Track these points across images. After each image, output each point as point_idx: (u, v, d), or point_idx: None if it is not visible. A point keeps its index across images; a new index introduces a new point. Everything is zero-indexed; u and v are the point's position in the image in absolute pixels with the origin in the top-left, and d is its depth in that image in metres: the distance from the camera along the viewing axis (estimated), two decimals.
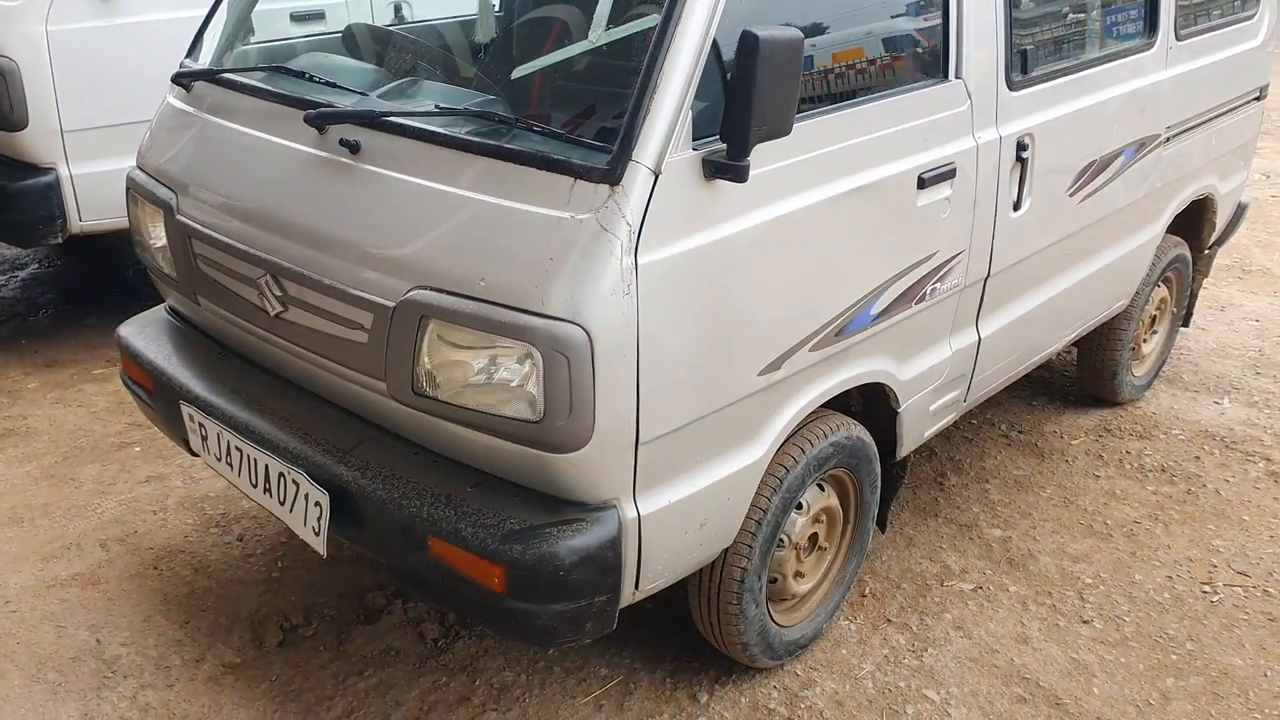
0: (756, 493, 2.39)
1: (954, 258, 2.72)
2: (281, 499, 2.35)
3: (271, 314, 2.33)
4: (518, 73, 2.27)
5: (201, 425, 2.51)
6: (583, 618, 2.10)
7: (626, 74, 2.08)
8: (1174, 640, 2.94)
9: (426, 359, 2.07)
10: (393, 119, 2.20)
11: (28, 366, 4.32)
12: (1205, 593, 3.16)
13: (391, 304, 2.07)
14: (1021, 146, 2.85)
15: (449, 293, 2.01)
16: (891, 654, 2.84)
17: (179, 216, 2.52)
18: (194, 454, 2.65)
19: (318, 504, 2.24)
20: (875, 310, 2.51)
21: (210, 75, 2.63)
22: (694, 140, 2.01)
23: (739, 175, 1.99)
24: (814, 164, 2.25)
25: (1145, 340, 4.26)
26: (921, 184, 2.51)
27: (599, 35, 2.15)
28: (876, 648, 2.87)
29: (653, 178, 1.94)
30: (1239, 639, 2.96)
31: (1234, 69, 4.04)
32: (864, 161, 2.38)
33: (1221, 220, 4.41)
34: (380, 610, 2.89)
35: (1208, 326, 5.05)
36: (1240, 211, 4.59)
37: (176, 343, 2.76)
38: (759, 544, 2.45)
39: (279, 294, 2.30)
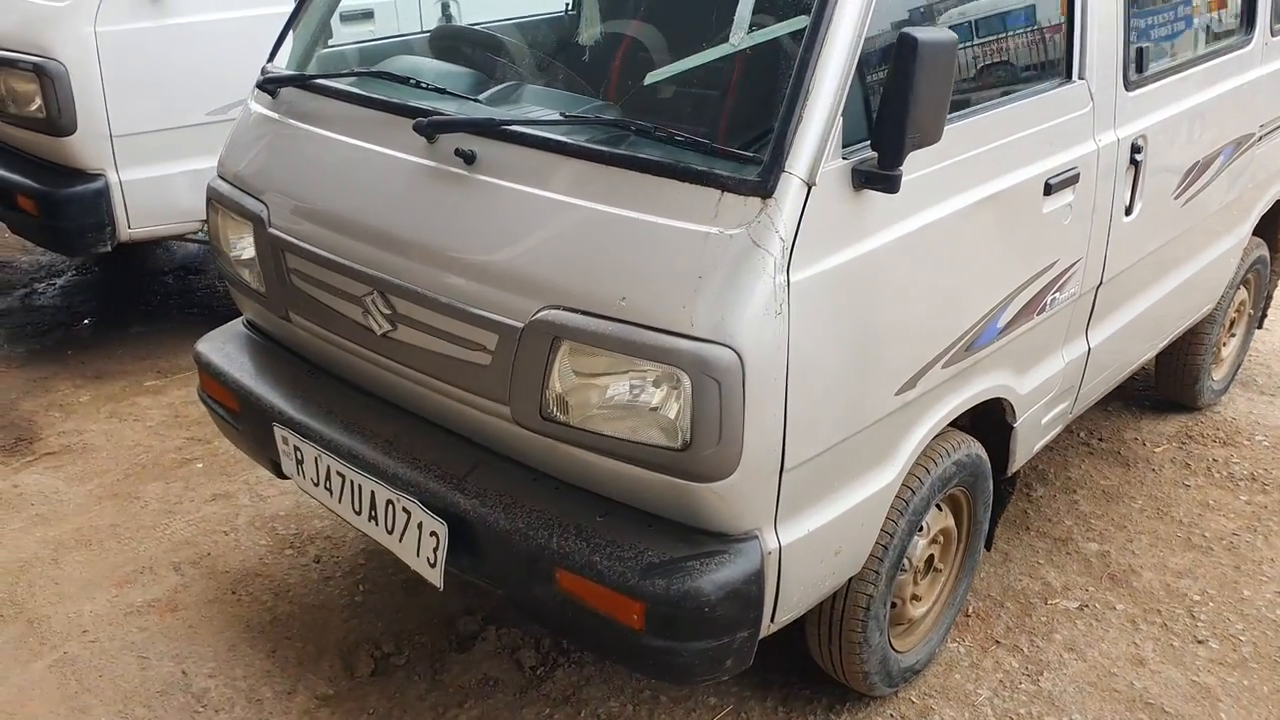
0: (885, 516, 2.28)
1: (1072, 266, 2.61)
2: (390, 528, 2.23)
3: (378, 333, 2.21)
4: (652, 78, 2.15)
5: (297, 449, 2.39)
6: (724, 655, 1.99)
7: (771, 79, 1.95)
8: None
9: (557, 382, 1.95)
10: (513, 128, 2.07)
11: (77, 379, 4.20)
12: None
13: (520, 325, 1.95)
14: (1135, 149, 2.74)
15: (584, 313, 1.89)
16: (1006, 678, 2.73)
17: (271, 229, 2.40)
18: (283, 477, 2.54)
19: (434, 534, 2.12)
20: (1002, 323, 2.40)
21: (302, 81, 2.50)
22: (843, 149, 1.89)
23: (891, 185, 1.88)
24: (952, 171, 2.14)
25: (1224, 343, 4.15)
26: (1048, 190, 2.41)
27: (740, 38, 2.03)
28: (989, 672, 2.76)
29: (806, 189, 1.82)
30: None
31: None
32: (997, 168, 2.27)
33: None
34: (474, 637, 2.77)
35: (1270, 327, 4.93)
36: None
37: (261, 360, 2.64)
38: (885, 569, 2.34)
39: (387, 312, 2.18)
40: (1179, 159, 3.01)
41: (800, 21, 1.90)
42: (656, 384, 1.86)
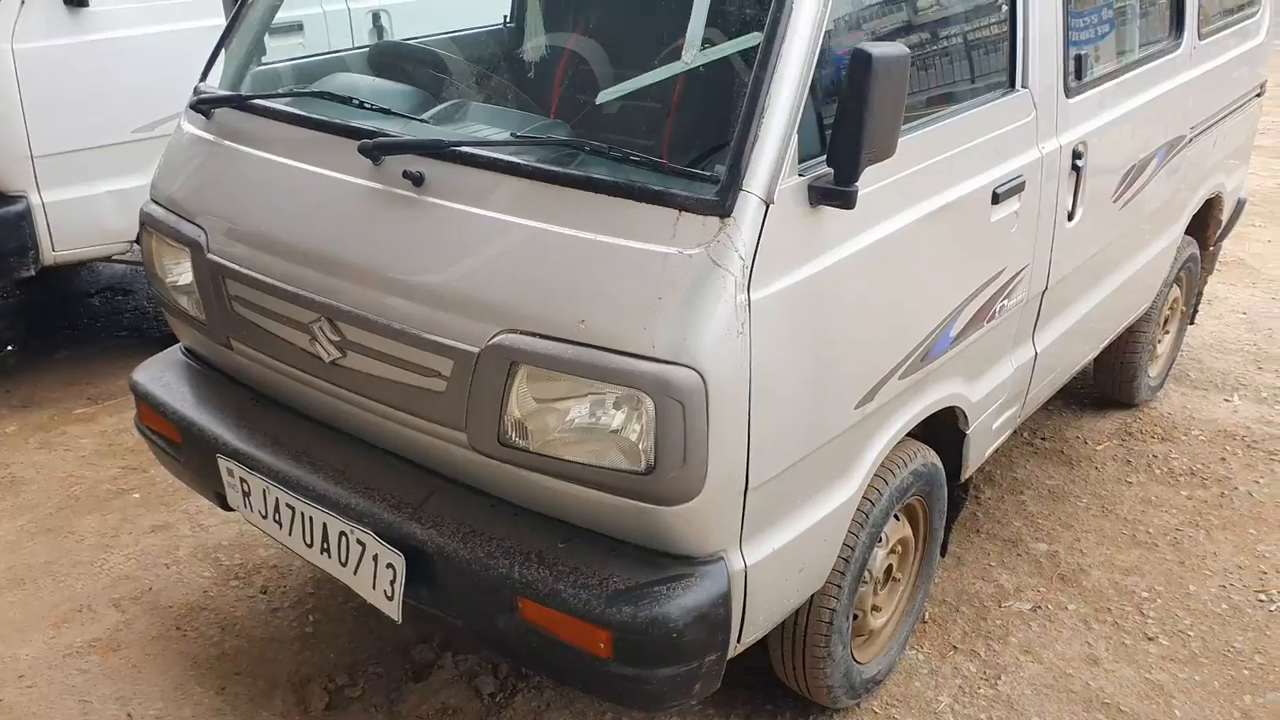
0: (847, 530, 2.27)
1: (1019, 273, 2.63)
2: (344, 560, 2.17)
3: (327, 360, 2.15)
4: (604, 97, 2.11)
5: (243, 481, 2.31)
6: (693, 679, 1.96)
7: (726, 96, 1.93)
8: (1242, 654, 2.88)
9: (516, 408, 1.91)
10: (463, 148, 2.03)
11: (2, 409, 4.05)
12: (1262, 601, 3.11)
13: (476, 349, 1.90)
14: (1077, 155, 2.77)
15: (542, 336, 1.85)
16: (965, 684, 2.75)
17: (210, 255, 2.32)
18: (228, 509, 2.46)
19: (390, 566, 2.06)
20: (954, 332, 2.41)
21: (238, 101, 2.42)
22: (798, 165, 1.88)
23: (848, 201, 1.87)
24: (905, 184, 2.14)
25: (1159, 340, 4.23)
26: (995, 199, 2.42)
27: (693, 55, 2.00)
28: (949, 678, 2.77)
29: (764, 208, 1.80)
30: None
31: (1241, 67, 4.03)
32: (948, 179, 2.28)
33: (1225, 217, 4.41)
34: (430, 665, 2.71)
35: (1200, 322, 5.05)
36: (1239, 207, 4.59)
37: (202, 389, 2.56)
38: (847, 583, 2.33)
39: (336, 339, 2.12)
40: (1117, 163, 3.06)
41: (753, 38, 1.89)
42: (618, 407, 1.83)
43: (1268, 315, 5.19)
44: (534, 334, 1.85)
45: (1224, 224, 4.42)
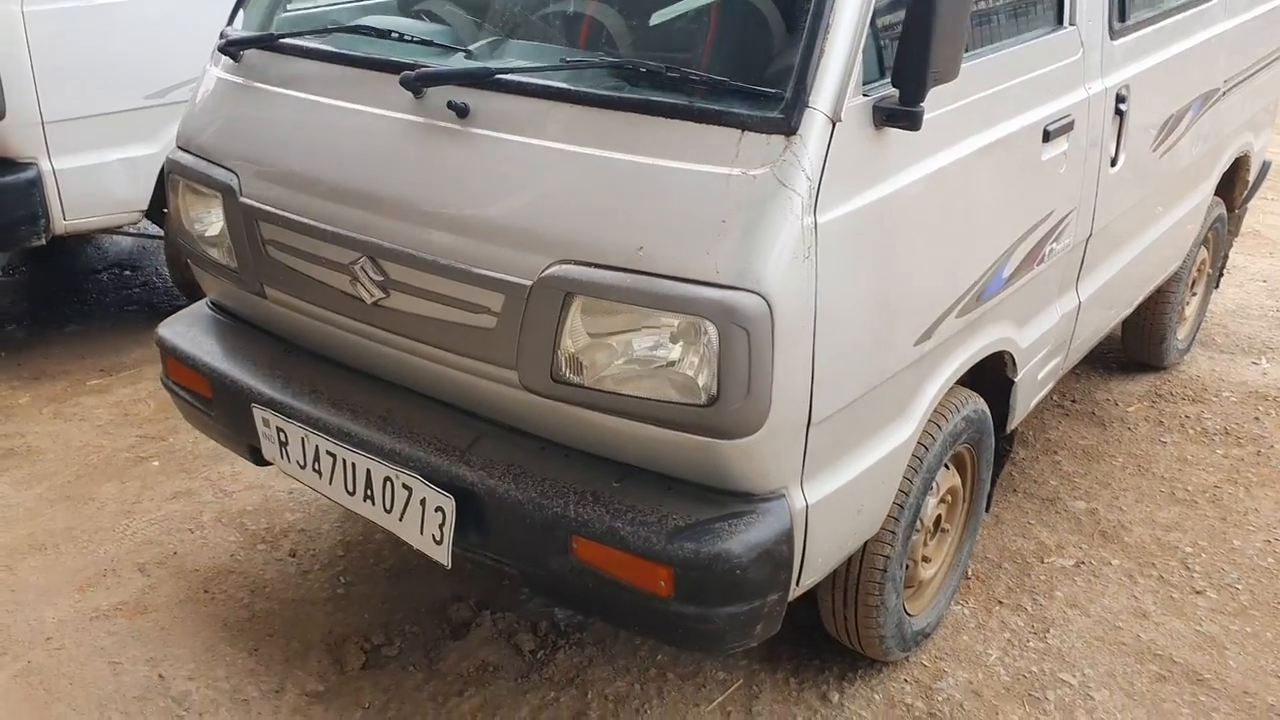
0: (902, 474, 2.21)
1: (1067, 215, 2.58)
2: (388, 507, 2.10)
3: (369, 302, 2.08)
4: (658, 18, 2.04)
5: (280, 430, 2.25)
6: (755, 620, 1.90)
7: (788, 11, 1.87)
8: None
9: (570, 342, 1.84)
10: (510, 76, 1.96)
11: (14, 381, 3.97)
12: None
13: (528, 282, 1.84)
14: (1120, 99, 2.72)
15: (598, 265, 1.78)
16: (1014, 637, 2.69)
17: (244, 199, 2.25)
18: (262, 463, 2.39)
19: (439, 509, 2.00)
20: (1007, 273, 2.36)
21: (270, 41, 2.35)
22: (864, 85, 1.82)
23: (914, 122, 1.81)
24: (964, 113, 2.09)
25: (1187, 302, 4.18)
26: (1046, 136, 2.37)
27: None
28: (996, 632, 2.71)
29: (830, 126, 1.74)
30: None
31: (1274, 22, 3.97)
32: (1003, 112, 2.23)
33: (1251, 178, 4.36)
34: (467, 623, 2.65)
35: (1222, 289, 5.01)
36: (1264, 170, 4.55)
37: (232, 341, 2.49)
38: (901, 529, 2.28)
39: (379, 279, 2.05)
40: (1157, 111, 3.01)
41: None
42: (678, 337, 1.77)
43: None
44: (589, 264, 1.79)
45: (1250, 185, 4.37)
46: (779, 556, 1.86)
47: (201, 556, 2.93)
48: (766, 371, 1.72)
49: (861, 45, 1.78)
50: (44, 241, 3.89)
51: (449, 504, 1.98)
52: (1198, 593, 2.89)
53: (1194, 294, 4.27)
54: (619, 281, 1.76)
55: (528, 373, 1.90)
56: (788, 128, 1.71)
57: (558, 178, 1.87)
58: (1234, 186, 4.22)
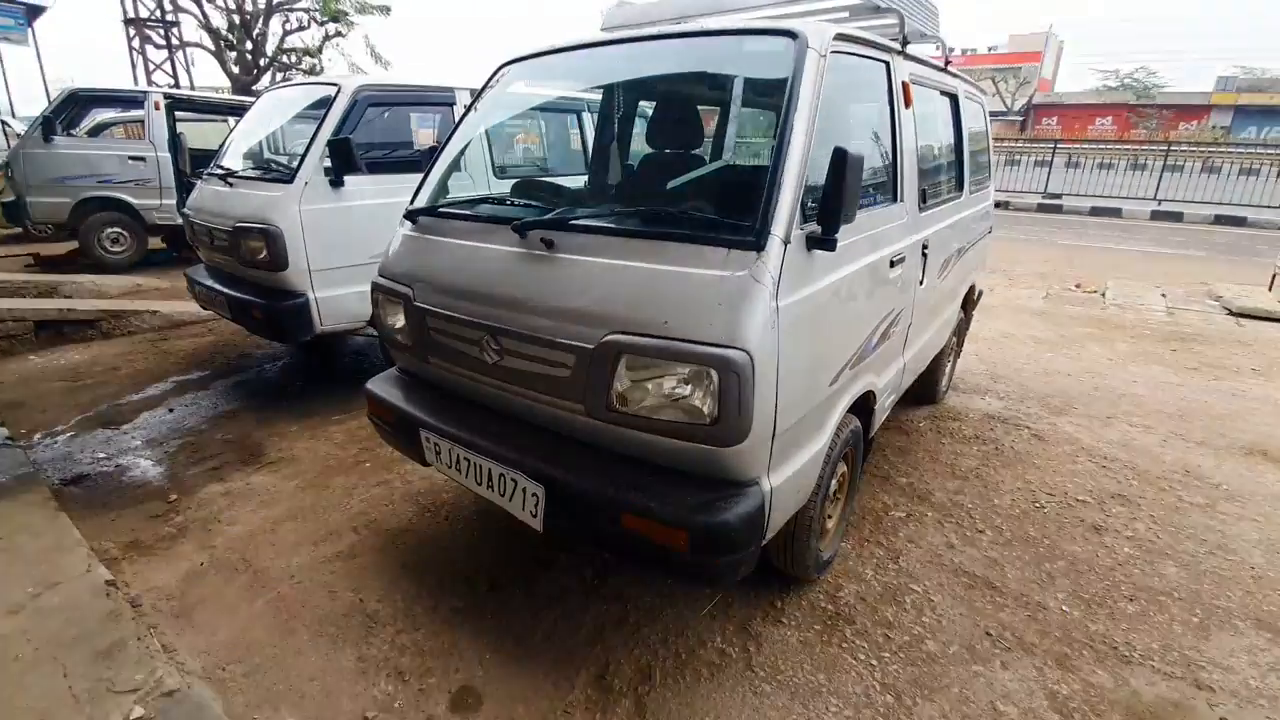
0: (820, 465, 1.82)
1: (900, 312, 2.23)
2: (502, 492, 1.70)
3: (490, 362, 1.70)
4: (673, 184, 1.73)
5: (436, 444, 1.85)
6: (741, 563, 1.50)
7: (753, 180, 1.53)
8: (1035, 539, 2.43)
9: (618, 384, 1.47)
10: (580, 221, 1.61)
11: (289, 418, 3.52)
12: (1038, 507, 2.66)
13: (591, 346, 1.47)
14: (925, 246, 2.39)
15: (638, 334, 1.42)
16: (878, 562, 2.27)
17: (417, 303, 1.89)
18: (426, 465, 1.98)
19: (534, 495, 1.60)
20: (873, 344, 2.00)
21: (433, 210, 2.00)
22: (801, 223, 1.47)
23: (831, 246, 1.48)
24: (854, 246, 1.74)
25: (948, 365, 3.83)
26: (892, 265, 2.03)
27: (729, 157, 1.63)
28: (868, 559, 2.29)
29: (783, 246, 1.40)
30: (1069, 534, 2.46)
31: (984, 213, 3.69)
32: (874, 247, 1.88)
33: (976, 298, 4.05)
34: (550, 561, 2.21)
35: (960, 358, 4.67)
36: (980, 295, 4.23)
37: (409, 391, 2.09)
38: (820, 499, 1.88)
39: (496, 348, 1.68)
40: (941, 255, 2.68)
41: (768, 143, 1.50)
42: (690, 379, 1.40)
43: (987, 357, 4.80)
44: (632, 333, 1.43)
45: (976, 302, 4.06)
46: (757, 521, 1.48)
47: (392, 521, 2.48)
48: (750, 401, 1.36)
49: (799, 199, 1.43)
50: (309, 338, 3.48)
51: (541, 490, 1.58)
52: (980, 532, 2.48)
53: (949, 361, 3.92)
54: (652, 344, 1.40)
55: (591, 405, 1.53)
56: (758, 246, 1.37)
57: (611, 281, 1.52)
58: (970, 302, 3.90)
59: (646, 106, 1.89)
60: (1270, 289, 6.03)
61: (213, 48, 12.76)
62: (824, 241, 1.48)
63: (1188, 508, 2.64)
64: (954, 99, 2.92)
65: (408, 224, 2.09)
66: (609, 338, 1.47)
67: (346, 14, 14.86)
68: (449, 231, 1.94)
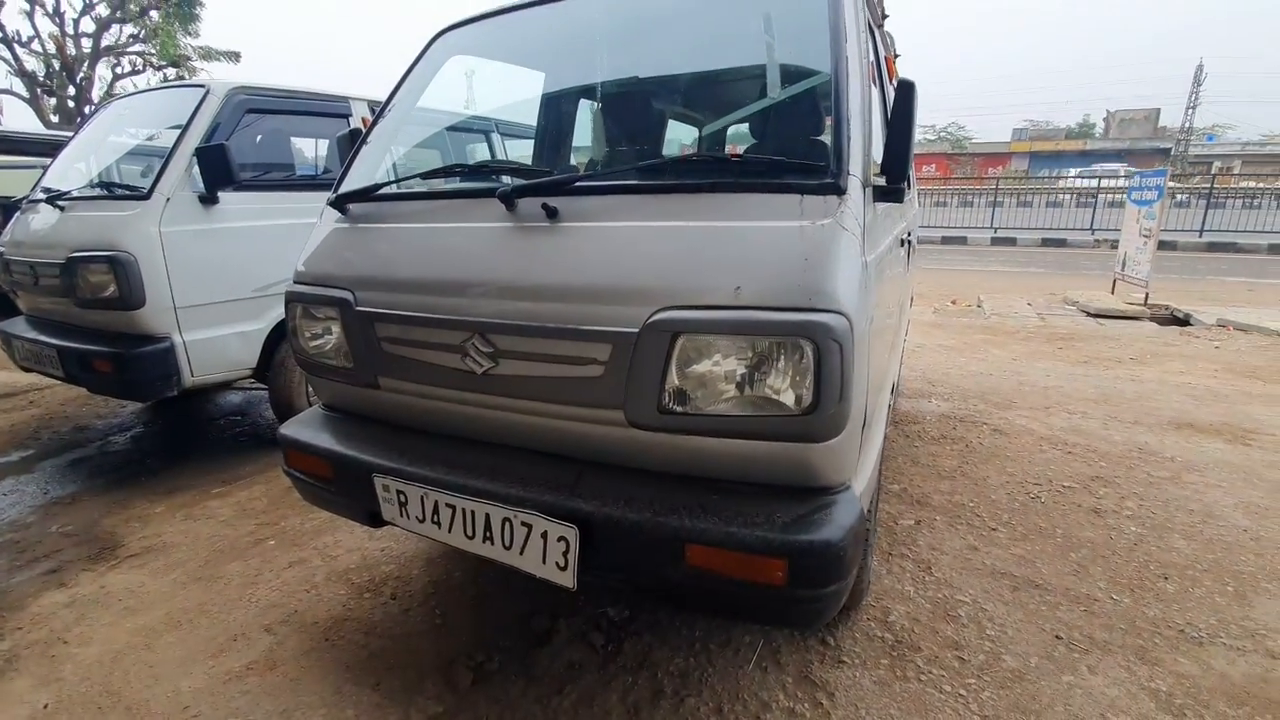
0: (880, 462, 1.57)
1: (905, 298, 2.08)
2: (508, 544, 1.27)
3: (479, 372, 1.30)
4: (710, 128, 1.45)
5: (400, 493, 1.38)
6: (845, 592, 1.18)
7: (813, 118, 1.30)
8: (1046, 530, 2.33)
9: (676, 376, 1.13)
10: (592, 183, 1.29)
11: (150, 496, 2.75)
12: (1034, 497, 2.60)
13: (635, 330, 1.13)
14: (909, 234, 2.29)
15: (700, 307, 1.10)
16: (914, 577, 2.05)
17: (360, 308, 1.44)
18: (377, 525, 1.49)
19: (562, 539, 1.20)
20: (902, 325, 1.81)
21: (372, 192, 1.58)
22: None
23: (899, 197, 1.26)
24: (888, 210, 1.55)
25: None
26: (901, 244, 1.87)
27: (778, 93, 1.38)
28: (901, 575, 2.06)
29: (863, 189, 1.16)
30: (1076, 521, 2.40)
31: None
32: (898, 218, 1.72)
33: None
34: (548, 631, 1.76)
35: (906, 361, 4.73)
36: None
37: (346, 430, 1.61)
38: (875, 504, 1.62)
39: (488, 351, 1.28)
40: (907, 248, 2.61)
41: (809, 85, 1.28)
42: (777, 357, 1.09)
43: (912, 364, 4.91)
44: (689, 305, 1.11)
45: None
46: (862, 534, 1.18)
47: (319, 611, 1.90)
48: (851, 378, 1.08)
49: (869, 137, 1.22)
50: (175, 393, 2.77)
51: (572, 533, 1.18)
52: (994, 530, 2.35)
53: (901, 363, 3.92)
54: (723, 318, 1.09)
55: (635, 409, 1.17)
56: (838, 189, 1.12)
57: (648, 248, 1.19)
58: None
59: (638, 64, 1.61)
60: (1113, 292, 6.87)
61: (27, 95, 11.05)
62: (890, 192, 1.27)
63: (1160, 481, 2.70)
64: None
65: (333, 214, 1.64)
66: (658, 316, 1.13)
67: (189, 58, 13.58)
68: (399, 215, 1.52)
